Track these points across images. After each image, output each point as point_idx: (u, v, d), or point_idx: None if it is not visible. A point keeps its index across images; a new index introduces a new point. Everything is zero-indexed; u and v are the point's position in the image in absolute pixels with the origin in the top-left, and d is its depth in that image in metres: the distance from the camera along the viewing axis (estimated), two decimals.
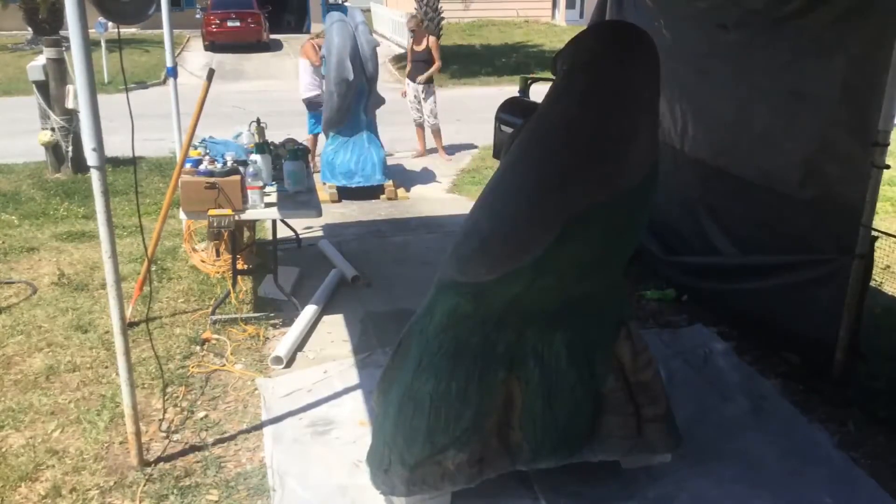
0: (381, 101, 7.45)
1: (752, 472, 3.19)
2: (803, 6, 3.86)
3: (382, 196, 7.39)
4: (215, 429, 3.50)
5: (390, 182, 7.45)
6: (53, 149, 7.85)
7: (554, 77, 2.89)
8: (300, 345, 4.29)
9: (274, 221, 4.66)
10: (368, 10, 27.16)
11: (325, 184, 7.34)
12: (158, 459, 3.25)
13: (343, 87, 6.96)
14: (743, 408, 3.66)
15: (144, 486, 3.08)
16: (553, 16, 27.45)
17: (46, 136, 7.75)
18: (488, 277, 2.71)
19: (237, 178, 4.20)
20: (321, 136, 7.84)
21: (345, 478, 3.14)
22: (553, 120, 2.78)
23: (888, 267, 4.65)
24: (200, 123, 4.75)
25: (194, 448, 3.34)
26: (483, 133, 7.80)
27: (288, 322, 4.48)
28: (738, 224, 4.56)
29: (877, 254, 3.88)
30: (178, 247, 5.67)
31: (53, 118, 7.69)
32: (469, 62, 18.11)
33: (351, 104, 7.13)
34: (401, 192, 7.55)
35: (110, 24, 11.71)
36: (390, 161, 8.03)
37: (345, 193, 7.33)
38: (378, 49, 7.38)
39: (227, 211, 4.15)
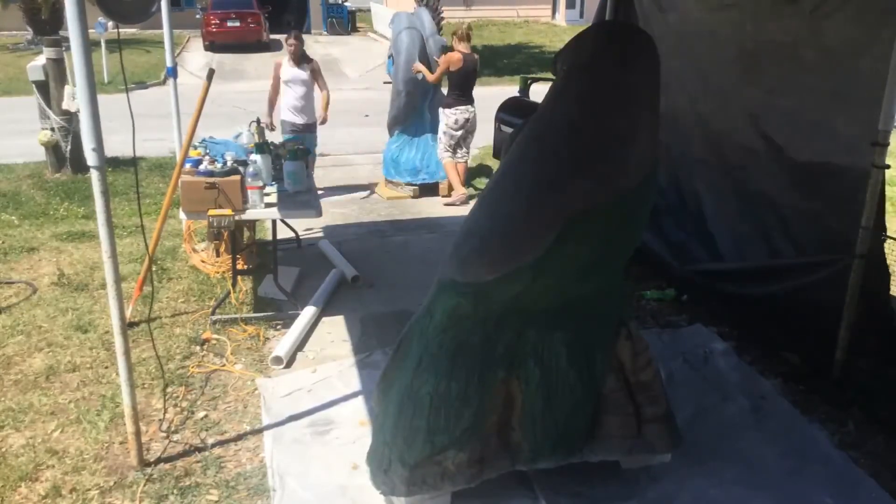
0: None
1: (752, 472, 3.19)
2: (817, 4, 3.85)
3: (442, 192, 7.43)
4: (215, 429, 3.50)
5: (445, 180, 7.46)
6: (53, 149, 7.85)
7: (554, 77, 2.89)
8: (300, 345, 4.29)
9: (274, 221, 4.66)
10: (368, 11, 27.17)
11: (388, 181, 7.41)
12: (158, 459, 3.25)
13: (412, 87, 7.06)
14: (743, 408, 3.66)
15: (144, 486, 3.08)
16: (553, 16, 27.49)
17: (46, 136, 7.75)
18: (488, 277, 2.71)
19: (237, 178, 4.20)
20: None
21: (345, 478, 3.14)
22: (553, 120, 2.78)
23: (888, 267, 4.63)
24: (200, 123, 4.75)
25: (194, 448, 3.34)
26: (483, 133, 7.80)
27: (288, 322, 4.47)
28: (738, 224, 4.56)
29: None
30: (178, 247, 5.67)
31: (53, 118, 7.69)
32: None
33: (417, 103, 7.21)
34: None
35: (110, 24, 11.71)
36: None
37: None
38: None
39: (227, 211, 4.16)
